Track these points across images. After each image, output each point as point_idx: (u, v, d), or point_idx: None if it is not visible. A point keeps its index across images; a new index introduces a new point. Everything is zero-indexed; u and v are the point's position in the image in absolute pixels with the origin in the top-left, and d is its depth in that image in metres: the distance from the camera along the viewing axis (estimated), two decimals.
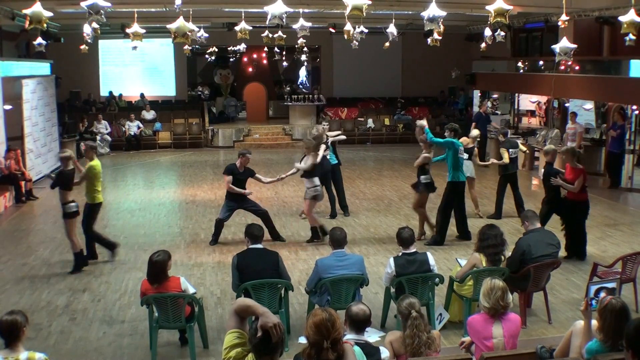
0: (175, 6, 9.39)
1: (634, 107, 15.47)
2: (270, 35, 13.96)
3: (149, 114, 23.53)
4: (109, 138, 21.85)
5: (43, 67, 18.99)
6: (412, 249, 7.13)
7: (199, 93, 27.75)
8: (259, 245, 7.10)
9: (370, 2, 7.17)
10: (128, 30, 11.89)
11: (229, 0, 15.39)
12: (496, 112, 22.19)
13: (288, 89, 28.92)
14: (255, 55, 29.37)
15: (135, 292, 8.16)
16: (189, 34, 9.35)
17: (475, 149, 12.64)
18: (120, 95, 24.89)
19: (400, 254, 7.16)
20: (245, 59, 29.30)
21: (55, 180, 9.58)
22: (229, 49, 26.85)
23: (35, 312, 7.88)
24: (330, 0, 14.64)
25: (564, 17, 10.37)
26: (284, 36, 13.81)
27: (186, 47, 16.43)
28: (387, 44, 15.52)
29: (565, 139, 16.50)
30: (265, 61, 29.63)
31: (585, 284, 7.87)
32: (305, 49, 26.42)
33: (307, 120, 24.12)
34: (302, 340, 6.29)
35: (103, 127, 21.76)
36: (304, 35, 12.04)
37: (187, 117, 23.98)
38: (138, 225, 12.39)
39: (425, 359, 4.98)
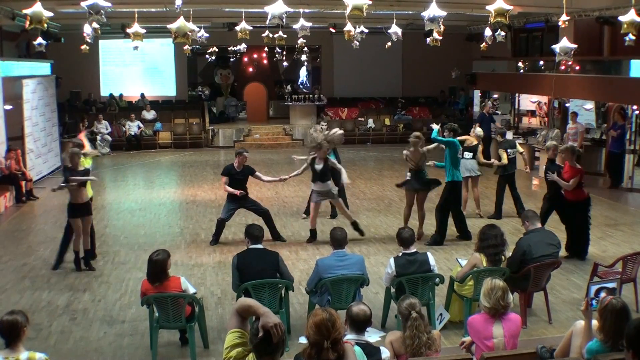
0: (176, 6, 9.38)
1: (634, 107, 15.47)
2: (271, 35, 13.96)
3: (150, 114, 23.53)
4: (109, 138, 21.86)
5: (43, 67, 18.99)
6: (413, 249, 7.14)
7: (200, 93, 27.75)
8: (259, 246, 7.10)
9: (370, 2, 7.17)
10: (128, 30, 11.90)
11: (230, 0, 15.39)
12: (496, 112, 22.17)
13: (288, 89, 28.92)
14: (255, 55, 29.39)
15: (136, 292, 8.16)
16: (190, 34, 9.36)
17: (480, 146, 12.65)
18: (121, 95, 24.90)
19: (400, 254, 7.16)
20: (245, 59, 29.32)
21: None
22: (229, 49, 26.85)
23: (35, 312, 7.88)
24: (331, 0, 14.64)
25: (564, 17, 10.36)
26: (285, 36, 13.80)
27: (186, 47, 16.42)
28: (389, 43, 15.51)
29: (566, 138, 16.47)
30: (265, 61, 29.64)
31: (586, 284, 7.87)
32: (305, 49, 26.42)
33: (307, 120, 24.11)
34: (303, 340, 6.28)
35: (103, 127, 21.76)
36: (304, 35, 12.04)
37: (187, 117, 23.98)
38: (138, 225, 12.39)
39: (426, 359, 4.98)
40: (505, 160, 12.11)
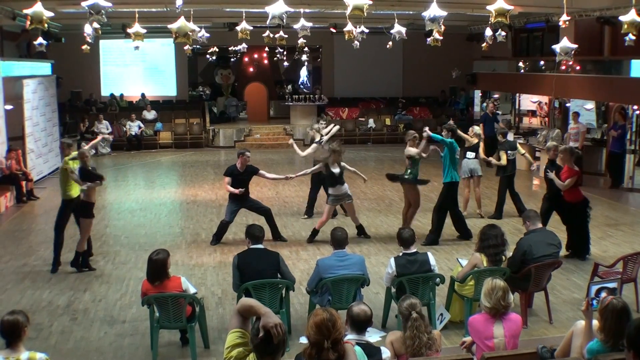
0: (177, 6, 9.38)
1: (635, 107, 15.46)
2: (271, 35, 13.96)
3: (150, 114, 23.54)
4: (110, 138, 21.86)
5: (44, 67, 19.00)
6: (413, 249, 7.15)
7: (201, 93, 27.75)
8: (260, 246, 7.11)
9: (371, 2, 7.18)
10: (129, 30, 11.91)
11: (230, 0, 15.39)
12: (497, 112, 22.18)
13: (289, 89, 28.92)
14: (256, 55, 29.39)
15: (136, 292, 8.17)
16: (190, 34, 9.37)
17: (481, 143, 12.65)
18: (122, 95, 24.90)
19: (401, 254, 7.17)
20: (246, 59, 29.32)
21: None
22: (229, 49, 26.85)
23: (36, 312, 7.88)
24: (331, 0, 14.63)
25: (564, 17, 10.36)
26: (286, 36, 13.80)
27: (187, 47, 16.43)
28: (390, 43, 15.49)
29: (567, 138, 16.47)
30: (266, 61, 29.65)
31: (586, 284, 7.85)
32: (306, 49, 26.43)
33: (308, 120, 24.08)
34: (303, 340, 6.29)
35: (104, 127, 21.75)
36: (304, 35, 12.04)
37: (188, 117, 23.99)
38: (139, 225, 12.39)
39: (426, 359, 4.98)
40: (504, 162, 12.11)
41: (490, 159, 12.73)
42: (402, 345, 5.09)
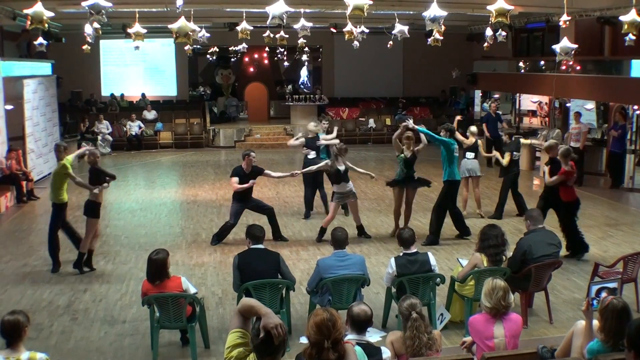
0: (177, 6, 9.38)
1: (635, 107, 15.46)
2: (272, 35, 13.95)
3: (150, 114, 23.54)
4: (110, 138, 21.87)
5: (44, 67, 19.00)
6: (413, 249, 7.15)
7: (201, 93, 27.75)
8: (260, 246, 7.11)
9: (371, 2, 7.18)
10: (129, 30, 11.92)
11: (231, 0, 15.40)
12: (497, 112, 22.16)
13: (289, 89, 28.92)
14: (256, 55, 29.37)
15: (137, 292, 8.16)
16: (191, 34, 9.38)
17: (480, 142, 12.64)
18: (122, 95, 24.90)
19: (401, 254, 7.17)
20: (246, 59, 29.29)
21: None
22: (230, 49, 26.82)
23: (36, 312, 7.88)
24: (332, 0, 14.64)
25: (565, 17, 10.37)
26: (286, 36, 13.80)
27: (187, 47, 16.41)
28: (391, 42, 15.47)
29: (568, 138, 16.47)
30: (266, 61, 29.63)
31: (587, 284, 7.85)
32: (306, 49, 26.41)
33: (308, 120, 24.03)
34: (304, 340, 6.29)
35: (104, 127, 21.77)
36: (305, 35, 12.04)
37: (188, 117, 24.00)
38: (139, 225, 12.39)
39: (427, 359, 4.98)
40: (505, 162, 12.11)
41: (493, 153, 12.72)
42: (402, 345, 5.09)
